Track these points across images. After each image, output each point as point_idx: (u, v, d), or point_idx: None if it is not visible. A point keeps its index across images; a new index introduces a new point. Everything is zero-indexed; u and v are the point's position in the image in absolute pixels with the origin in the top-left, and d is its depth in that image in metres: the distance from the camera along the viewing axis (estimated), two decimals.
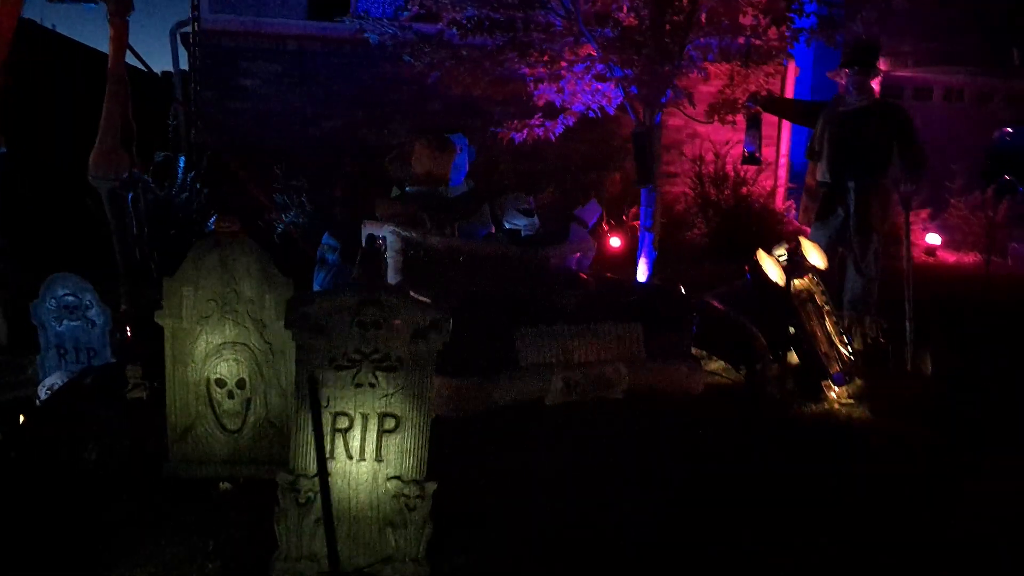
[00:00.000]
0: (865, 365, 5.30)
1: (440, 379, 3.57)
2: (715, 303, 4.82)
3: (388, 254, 4.26)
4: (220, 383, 3.24)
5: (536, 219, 4.80)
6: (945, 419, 4.59)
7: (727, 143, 9.30)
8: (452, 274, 4.20)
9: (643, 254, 5.64)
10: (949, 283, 8.10)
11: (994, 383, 5.20)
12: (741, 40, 5.07)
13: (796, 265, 5.00)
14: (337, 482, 2.56)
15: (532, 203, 4.89)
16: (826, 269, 5.67)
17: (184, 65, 8.97)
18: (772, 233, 8.62)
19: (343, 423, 2.56)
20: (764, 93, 5.80)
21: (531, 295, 3.99)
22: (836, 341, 5.05)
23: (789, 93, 9.94)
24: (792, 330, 4.75)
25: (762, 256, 4.71)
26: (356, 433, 2.56)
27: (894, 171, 5.65)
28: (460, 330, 3.48)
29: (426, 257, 4.25)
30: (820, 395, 4.79)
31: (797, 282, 4.95)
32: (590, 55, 5.16)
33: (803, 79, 14.35)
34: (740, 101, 5.79)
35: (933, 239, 9.36)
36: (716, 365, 5.01)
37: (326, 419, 2.52)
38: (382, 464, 2.58)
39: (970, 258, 9.34)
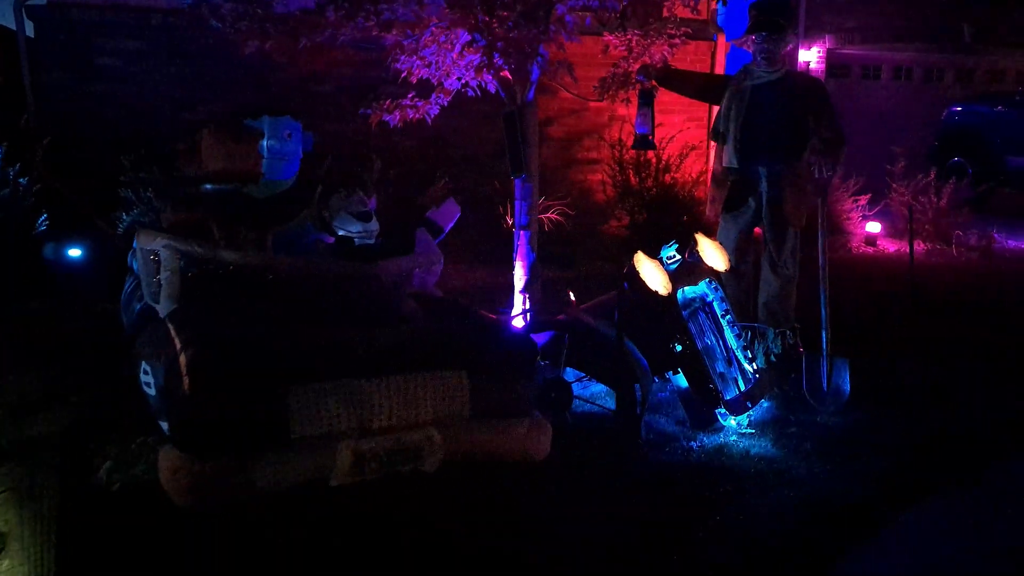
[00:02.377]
0: (775, 384, 4.53)
1: (176, 457, 2.71)
2: (586, 317, 4.00)
3: (162, 275, 3.37)
4: None
5: (374, 223, 3.93)
6: (859, 455, 3.82)
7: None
8: (250, 300, 3.30)
9: (519, 256, 4.80)
10: (888, 276, 7.38)
11: (920, 401, 4.46)
12: None
13: (688, 268, 4.20)
14: None
15: (370, 203, 4.01)
16: (728, 270, 4.90)
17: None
18: (699, 224, 7.86)
19: None
20: (660, 65, 4.97)
21: (326, 333, 3.07)
22: (738, 357, 4.26)
23: (720, 71, 9.15)
24: (679, 348, 3.94)
25: (640, 260, 3.90)
26: None
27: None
28: (213, 386, 2.73)
29: (215, 278, 3.35)
30: (713, 425, 4.01)
31: (689, 289, 4.14)
32: (447, 20, 4.28)
33: (742, 55, 13.61)
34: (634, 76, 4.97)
35: (873, 227, 8.64)
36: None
37: None
38: None
39: (914, 246, 8.62)
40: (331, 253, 3.81)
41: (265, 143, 4.05)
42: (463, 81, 5.10)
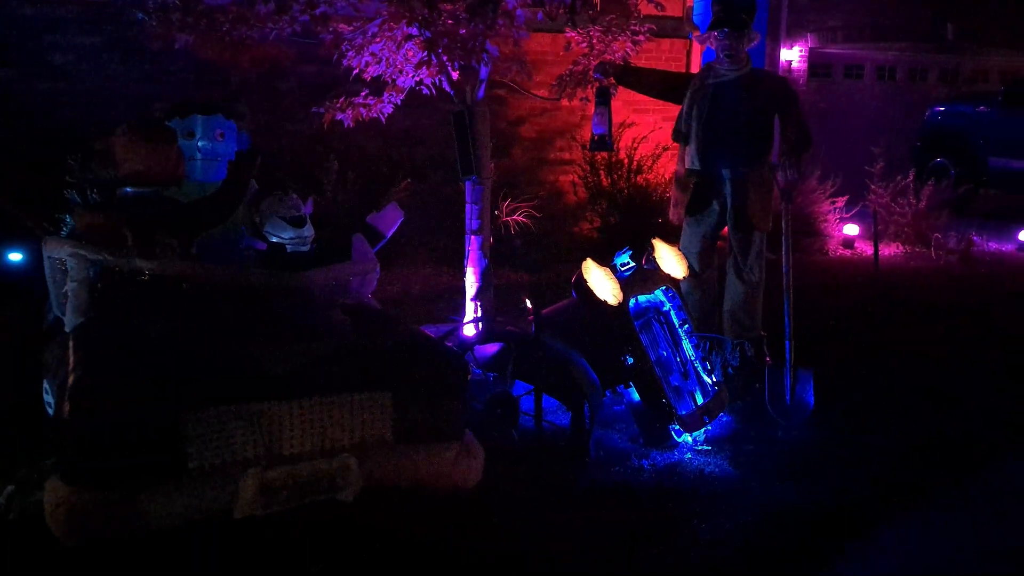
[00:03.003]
0: (737, 396, 4.33)
1: (59, 488, 2.48)
2: (533, 327, 3.78)
3: (68, 285, 3.14)
4: None
5: (308, 229, 3.68)
6: (819, 474, 3.62)
7: (623, 125, 8.27)
8: (161, 314, 3.05)
9: (470, 261, 4.58)
10: (863, 280, 7.19)
11: (889, 414, 4.27)
12: None
13: (643, 276, 3.99)
14: None
15: (305, 207, 3.77)
16: (692, 276, 4.70)
17: None
18: (673, 227, 7.66)
19: None
20: (620, 62, 4.76)
21: (233, 351, 2.82)
22: (696, 369, 4.05)
23: (696, 70, 8.94)
24: (630, 360, 3.73)
25: (589, 268, 3.68)
26: None
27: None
28: (97, 411, 2.43)
29: (126, 289, 3.12)
30: (667, 441, 3.79)
31: (643, 298, 3.93)
32: (386, 14, 4.04)
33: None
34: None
35: (851, 229, 8.46)
36: None
37: None
38: None
39: (891, 249, 8.45)
40: (259, 261, 3.57)
41: (198, 143, 3.83)
42: (417, 79, 4.89)
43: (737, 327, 4.94)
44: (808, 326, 4.89)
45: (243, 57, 4.22)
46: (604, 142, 4.71)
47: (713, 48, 4.66)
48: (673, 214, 4.97)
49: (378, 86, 4.94)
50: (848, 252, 8.39)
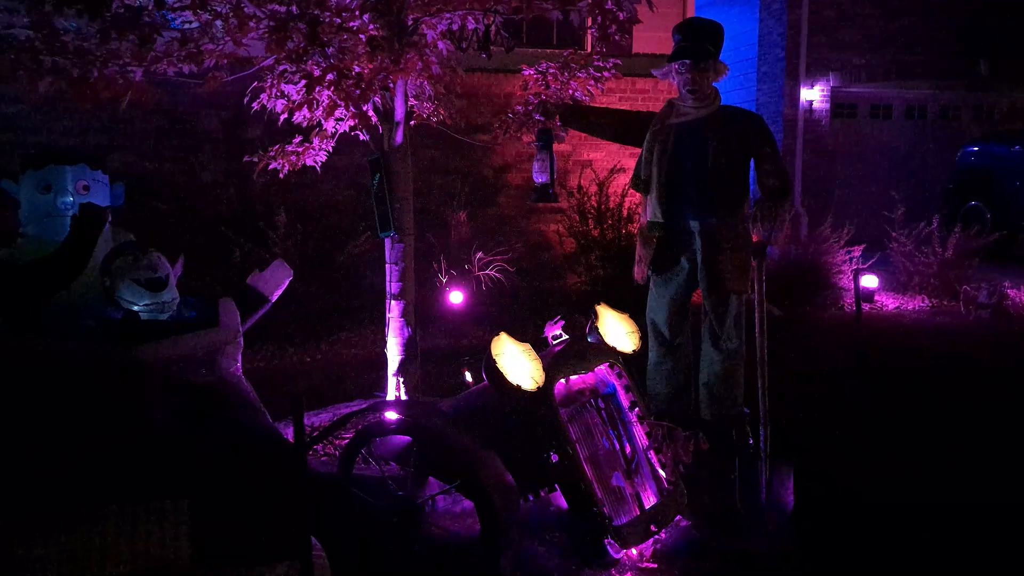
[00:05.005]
0: (699, 495, 3.60)
1: None
2: (440, 418, 3.12)
3: None
4: None
5: (169, 293, 3.09)
6: None
7: (614, 170, 7.66)
8: None
9: (391, 330, 3.95)
10: (881, 340, 6.41)
11: (889, 521, 3.51)
12: (476, 18, 3.35)
13: (578, 351, 3.31)
14: None
15: (172, 267, 3.19)
16: (663, 346, 4.04)
17: None
18: None
19: None
20: (569, 101, 4.15)
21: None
22: (649, 463, 3.36)
23: None
24: (555, 457, 3.04)
25: (501, 344, 3.02)
26: None
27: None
28: None
29: None
30: (601, 559, 3.08)
31: (575, 378, 3.26)
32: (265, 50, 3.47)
33: (737, 94, 12.74)
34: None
35: (870, 281, 7.67)
36: None
37: None
38: None
39: (915, 303, 7.64)
40: (99, 333, 2.97)
41: (56, 198, 3.30)
42: (333, 121, 4.33)
43: (715, 404, 4.23)
44: (808, 400, 4.16)
45: (146, 99, 3.69)
46: (546, 192, 4.08)
47: (674, 83, 4.03)
48: (638, 272, 4.30)
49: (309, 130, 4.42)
50: (867, 307, 7.60)
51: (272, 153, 4.55)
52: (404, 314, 3.89)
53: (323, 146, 4.57)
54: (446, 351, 6.07)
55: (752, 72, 13.05)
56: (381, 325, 6.42)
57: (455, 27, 3.48)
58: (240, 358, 3.10)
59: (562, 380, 3.18)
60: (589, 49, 4.78)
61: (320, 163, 4.57)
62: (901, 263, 7.90)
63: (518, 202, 7.96)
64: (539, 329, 6.29)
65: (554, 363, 3.15)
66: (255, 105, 4.14)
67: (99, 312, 3.16)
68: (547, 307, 6.80)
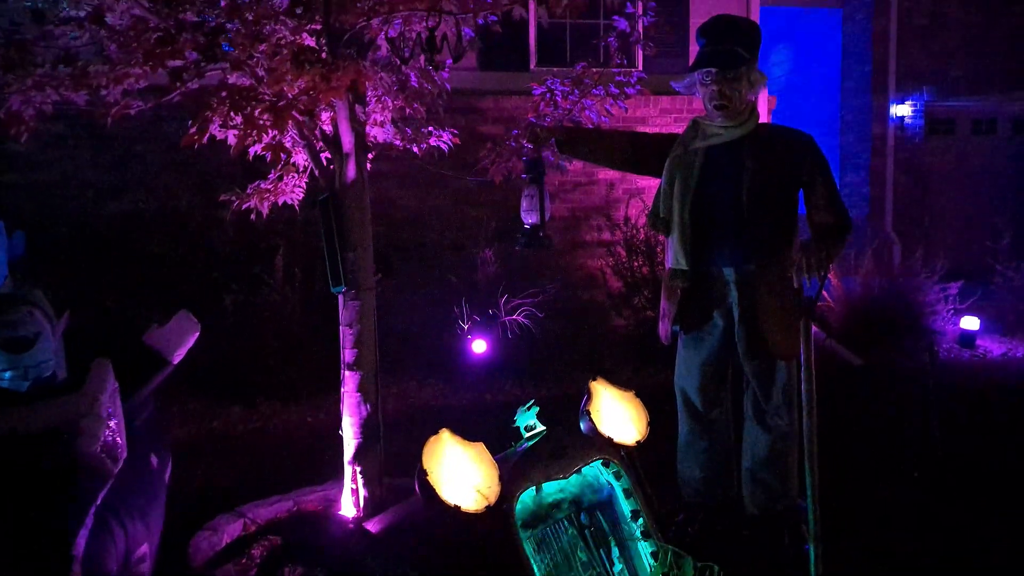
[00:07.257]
0: None
1: None
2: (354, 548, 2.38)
3: None
4: None
5: (40, 354, 2.47)
6: None
7: None
8: None
9: (347, 409, 3.22)
10: (987, 394, 5.35)
11: None
12: (421, 27, 2.63)
13: (557, 449, 2.53)
14: None
15: (42, 323, 2.56)
16: (695, 421, 3.25)
17: None
18: None
19: None
20: (591, 124, 3.40)
21: None
22: None
23: None
24: None
25: (439, 447, 2.26)
26: None
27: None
28: None
29: None
30: None
31: (550, 487, 2.47)
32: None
33: (788, 113, 11.59)
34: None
35: (971, 323, 6.56)
36: None
37: None
38: None
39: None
40: None
41: None
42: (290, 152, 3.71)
43: (761, 495, 3.37)
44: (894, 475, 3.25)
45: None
46: (536, 236, 3.29)
47: (698, 96, 3.22)
48: (662, 330, 3.48)
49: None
50: (967, 353, 6.49)
51: (249, 191, 3.96)
52: (361, 388, 3.17)
53: (297, 182, 3.96)
54: (468, 408, 5.35)
55: (835, 87, 11.95)
56: (399, 379, 5.78)
57: (392, 34, 2.78)
58: (119, 439, 2.43)
59: (532, 489, 2.40)
60: (618, 62, 4.05)
61: (298, 201, 3.96)
62: (1009, 301, 6.76)
63: (562, 234, 7.19)
64: (577, 382, 5.55)
65: (518, 468, 2.38)
66: (206, 137, 3.53)
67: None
68: (586, 356, 6.00)
